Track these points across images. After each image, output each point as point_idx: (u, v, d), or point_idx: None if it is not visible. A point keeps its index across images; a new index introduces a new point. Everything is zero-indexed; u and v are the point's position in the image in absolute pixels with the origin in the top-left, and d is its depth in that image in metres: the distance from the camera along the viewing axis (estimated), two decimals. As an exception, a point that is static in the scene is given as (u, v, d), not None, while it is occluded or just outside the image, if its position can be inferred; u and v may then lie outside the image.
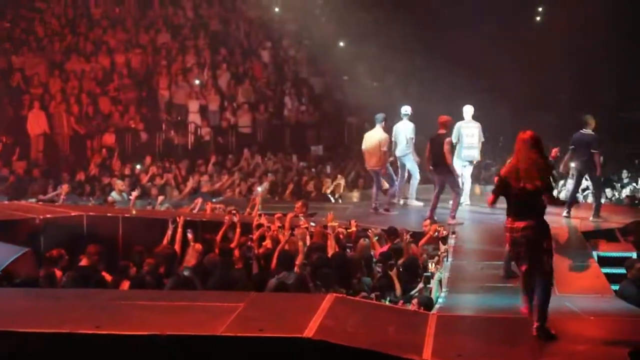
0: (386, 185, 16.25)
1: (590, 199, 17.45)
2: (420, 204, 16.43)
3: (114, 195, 17.98)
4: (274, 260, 10.86)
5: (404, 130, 16.41)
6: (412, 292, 10.30)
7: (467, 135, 16.02)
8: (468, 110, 16.31)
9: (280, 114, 24.51)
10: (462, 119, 16.29)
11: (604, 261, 11.91)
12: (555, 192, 19.04)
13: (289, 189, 18.90)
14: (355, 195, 19.40)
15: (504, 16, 27.94)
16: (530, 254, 7.87)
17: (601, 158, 14.86)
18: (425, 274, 10.57)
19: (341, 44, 27.95)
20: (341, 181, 19.51)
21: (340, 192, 19.23)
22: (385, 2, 29.68)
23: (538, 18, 29.33)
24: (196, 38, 26.44)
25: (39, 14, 26.16)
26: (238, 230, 12.38)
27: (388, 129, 16.26)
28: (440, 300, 9.55)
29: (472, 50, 28.14)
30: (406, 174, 16.74)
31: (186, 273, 10.49)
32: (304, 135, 24.21)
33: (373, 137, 15.90)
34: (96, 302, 8.42)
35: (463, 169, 16.04)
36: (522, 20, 27.71)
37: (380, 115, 16.20)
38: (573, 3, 25.26)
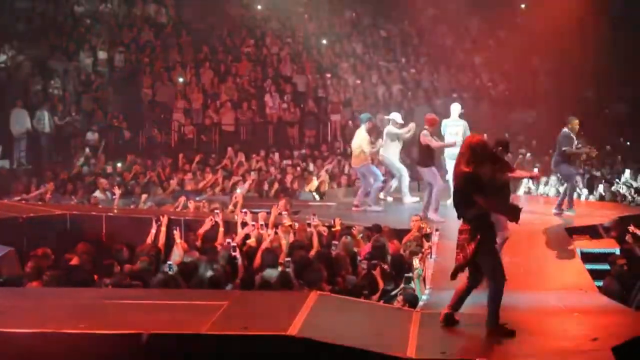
0: (371, 181, 16.16)
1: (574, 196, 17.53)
2: (416, 199, 16.43)
3: (98, 194, 17.92)
4: (258, 258, 10.87)
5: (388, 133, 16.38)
6: (394, 292, 10.28)
7: (451, 134, 15.90)
8: (455, 108, 16.25)
9: (263, 112, 24.47)
10: (447, 117, 16.28)
11: (587, 257, 11.95)
12: (541, 188, 19.21)
13: (274, 187, 18.85)
14: (339, 193, 19.37)
15: (486, 14, 28.04)
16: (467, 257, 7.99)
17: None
18: (406, 274, 10.54)
19: (324, 41, 27.93)
20: (325, 179, 19.50)
21: (325, 189, 19.22)
22: (368, 1, 29.73)
23: (522, 7, 29.37)
24: (178, 36, 26.37)
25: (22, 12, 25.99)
26: (221, 228, 12.38)
27: (373, 128, 16.25)
28: (424, 297, 9.55)
29: (455, 49, 28.28)
30: (397, 173, 16.67)
31: (170, 271, 10.46)
32: (286, 134, 24.18)
33: (356, 137, 15.94)
34: (80, 301, 8.36)
35: None
36: (503, 18, 27.76)
37: (364, 116, 16.19)
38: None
